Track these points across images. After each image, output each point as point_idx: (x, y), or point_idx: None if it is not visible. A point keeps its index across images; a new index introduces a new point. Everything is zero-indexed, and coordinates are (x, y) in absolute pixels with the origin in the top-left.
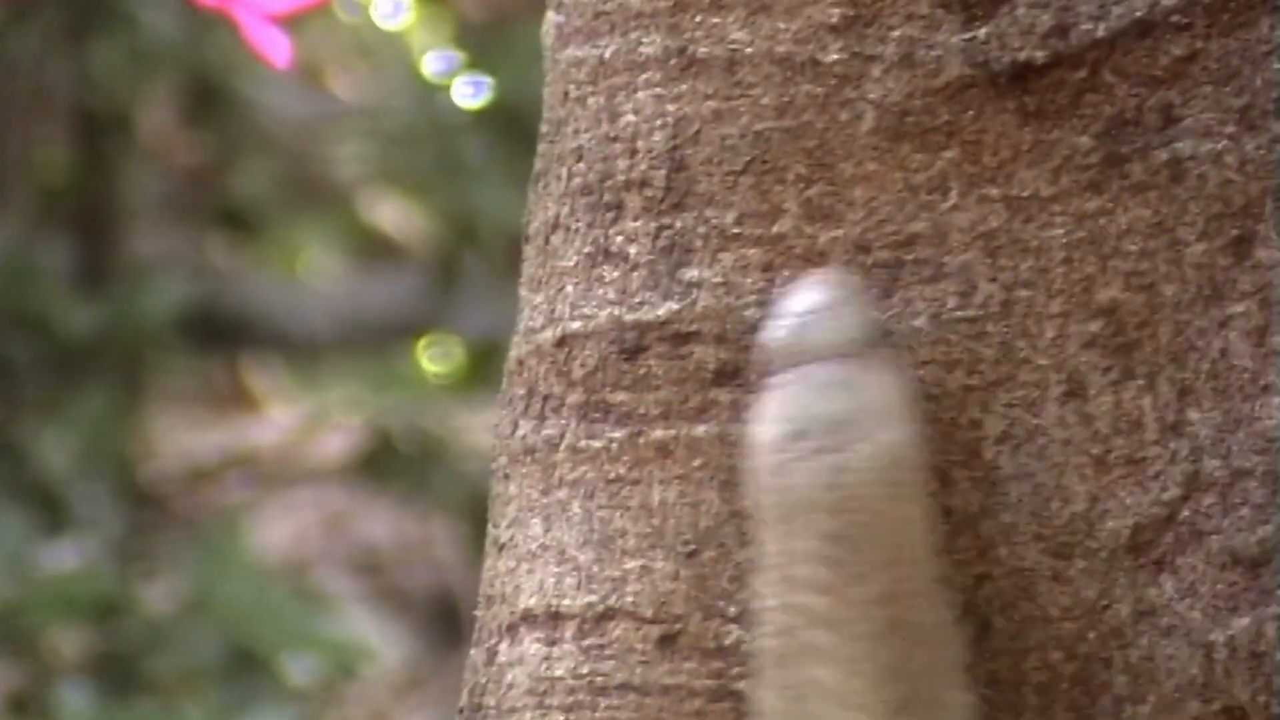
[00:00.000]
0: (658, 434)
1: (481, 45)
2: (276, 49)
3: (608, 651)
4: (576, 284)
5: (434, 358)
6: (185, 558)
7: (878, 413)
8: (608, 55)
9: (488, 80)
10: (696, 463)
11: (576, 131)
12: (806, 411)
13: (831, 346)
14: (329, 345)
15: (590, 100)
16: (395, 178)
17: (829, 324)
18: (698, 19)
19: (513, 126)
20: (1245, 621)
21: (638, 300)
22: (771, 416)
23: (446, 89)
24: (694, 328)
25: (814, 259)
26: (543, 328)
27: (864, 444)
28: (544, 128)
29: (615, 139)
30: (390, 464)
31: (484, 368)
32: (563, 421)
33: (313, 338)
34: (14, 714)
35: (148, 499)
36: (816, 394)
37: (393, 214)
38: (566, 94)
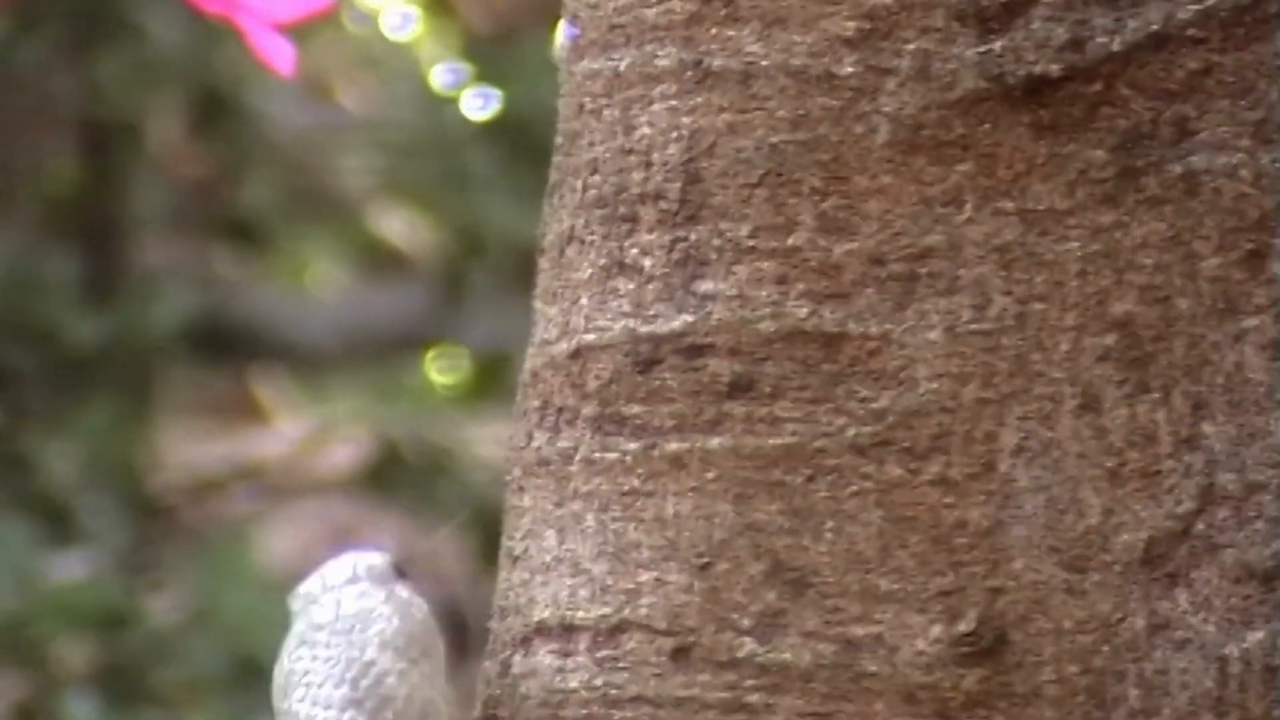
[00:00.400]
0: (672, 446)
1: (490, 57)
2: (281, 57)
3: (621, 663)
4: (591, 296)
5: (441, 370)
6: (191, 569)
7: (391, 603)
8: (623, 68)
9: (496, 92)
10: (710, 475)
11: (591, 144)
12: (326, 615)
13: (351, 578)
14: (336, 357)
15: (605, 113)
16: (402, 189)
17: (346, 564)
18: (713, 31)
19: (521, 139)
20: (1259, 635)
21: (652, 313)
22: (295, 631)
23: (454, 101)
24: (708, 340)
25: (828, 271)
26: (557, 340)
27: (377, 625)
28: (559, 140)
29: (630, 151)
30: (397, 476)
31: (491, 380)
32: (577, 434)
33: (319, 349)
34: None
35: (154, 510)
36: (335, 600)
37: (400, 226)
38: (581, 106)
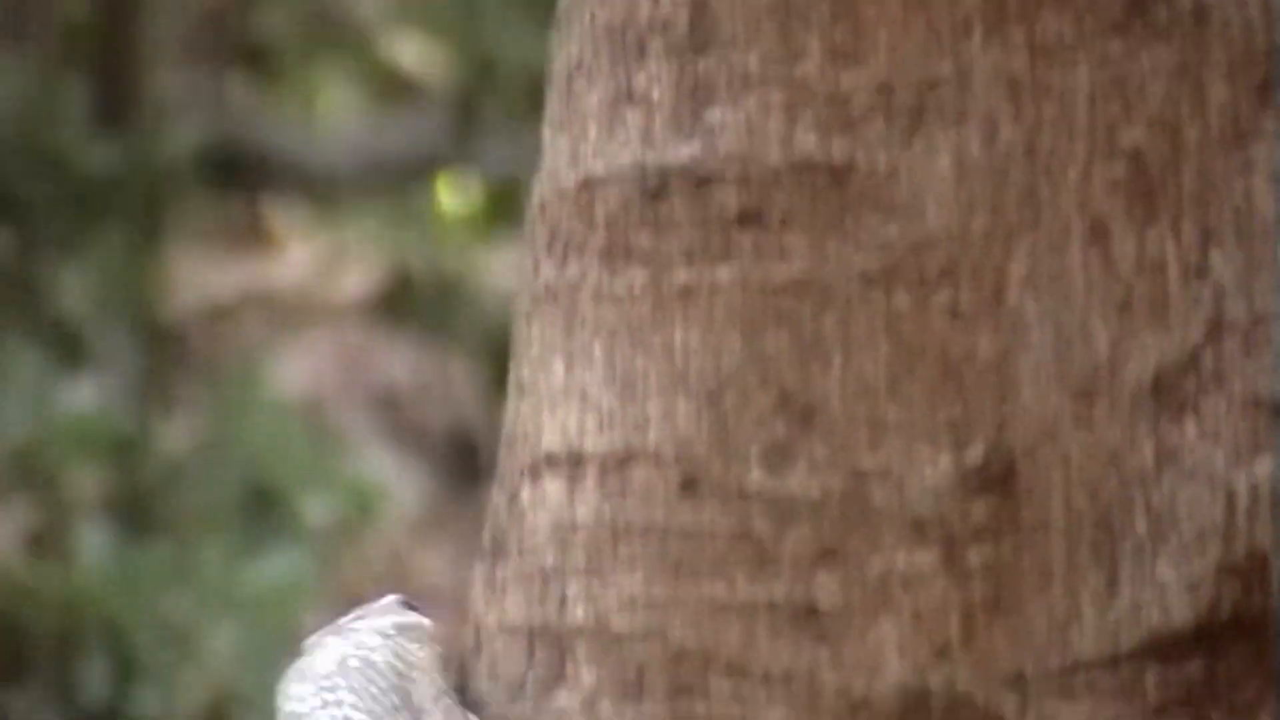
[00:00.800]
0: (680, 277)
1: None
2: None
3: (629, 494)
4: (599, 126)
5: (453, 196)
6: (203, 397)
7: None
8: None
9: None
10: (719, 305)
11: None
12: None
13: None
14: (348, 184)
15: None
16: (416, 15)
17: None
18: None
19: None
20: (1268, 465)
21: (660, 143)
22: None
23: None
24: (716, 170)
25: (837, 102)
26: (565, 170)
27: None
28: None
29: None
30: (409, 302)
31: (503, 207)
32: (585, 264)
33: (332, 176)
34: (32, 553)
35: (166, 338)
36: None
37: (413, 52)
38: None
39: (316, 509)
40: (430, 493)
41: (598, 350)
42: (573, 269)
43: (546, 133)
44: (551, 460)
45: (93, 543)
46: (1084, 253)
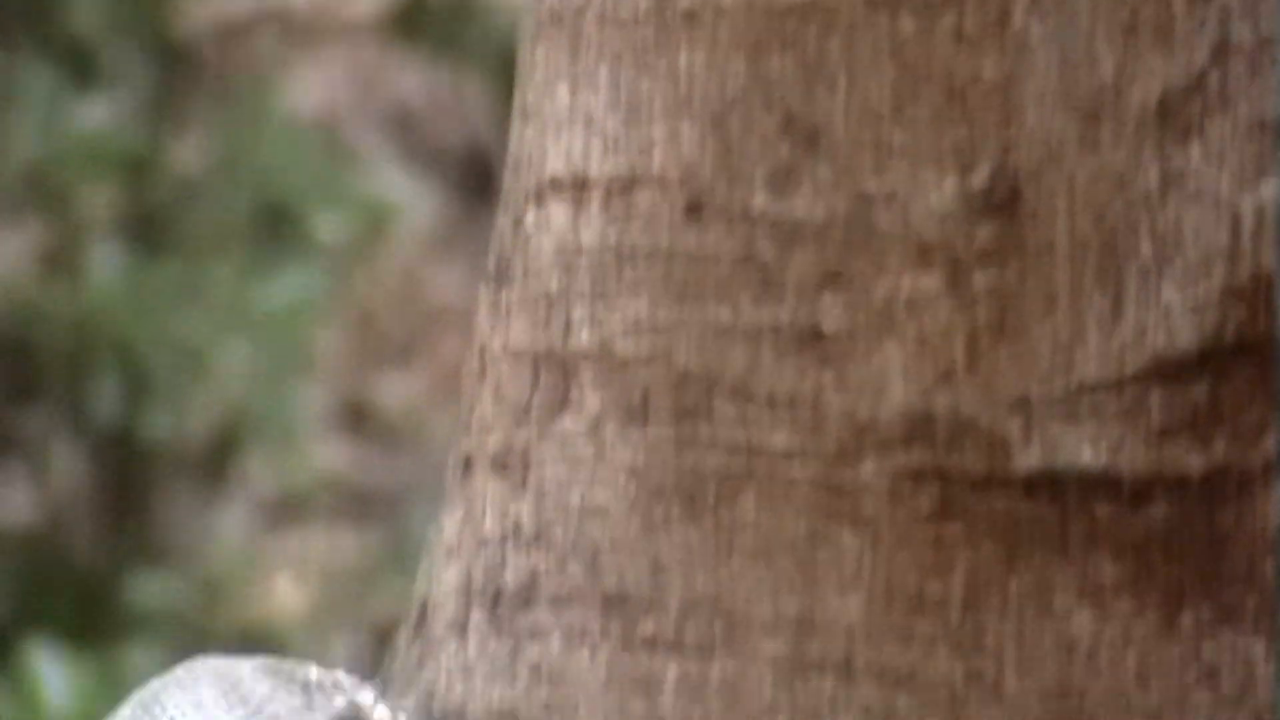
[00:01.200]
0: (685, 1)
1: None
2: None
3: (634, 218)
4: None
5: None
6: (216, 115)
7: None
8: None
9: None
10: (723, 28)
11: None
12: None
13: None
14: None
15: None
16: None
17: None
18: None
19: None
20: (1273, 188)
21: None
22: None
23: None
24: None
25: None
26: None
27: None
28: None
29: None
30: (423, 19)
31: None
32: None
33: None
34: (43, 272)
35: (179, 55)
36: None
37: None
38: None
39: (329, 227)
40: (443, 211)
41: (602, 74)
42: None
43: None
44: (556, 184)
45: (104, 262)
46: None
